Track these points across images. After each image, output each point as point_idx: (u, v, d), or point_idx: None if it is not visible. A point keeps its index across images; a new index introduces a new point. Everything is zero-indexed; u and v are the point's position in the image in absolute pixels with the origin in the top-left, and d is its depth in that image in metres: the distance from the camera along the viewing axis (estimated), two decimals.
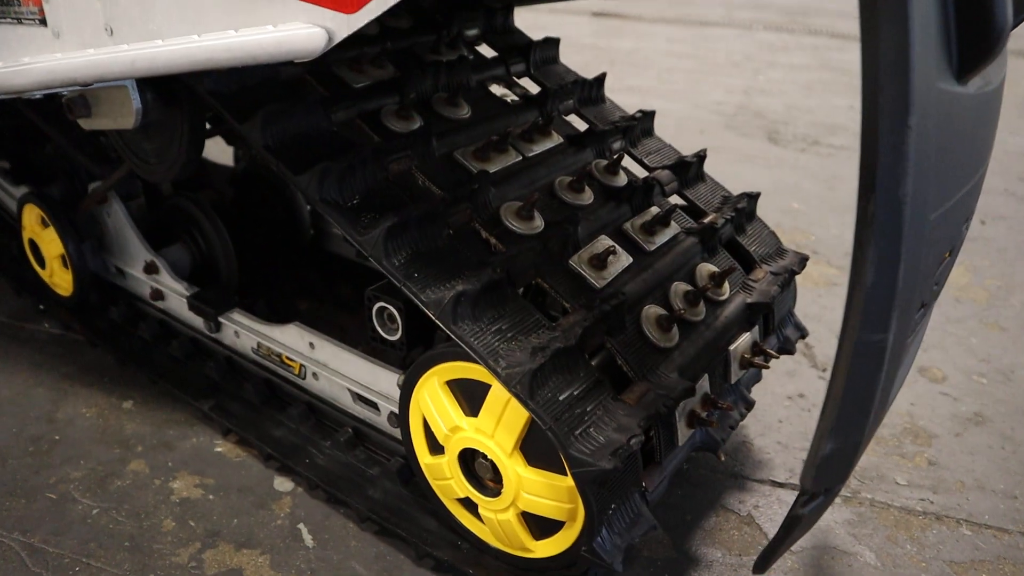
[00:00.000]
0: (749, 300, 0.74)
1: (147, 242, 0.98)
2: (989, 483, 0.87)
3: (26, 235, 1.07)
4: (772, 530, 0.78)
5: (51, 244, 1.02)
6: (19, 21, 0.76)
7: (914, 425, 0.95)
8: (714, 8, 4.42)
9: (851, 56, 3.25)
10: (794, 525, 0.51)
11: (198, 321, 0.94)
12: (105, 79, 0.65)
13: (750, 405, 0.76)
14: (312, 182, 0.61)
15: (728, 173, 1.37)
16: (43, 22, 0.73)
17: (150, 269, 0.98)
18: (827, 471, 0.45)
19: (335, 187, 0.61)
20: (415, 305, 0.60)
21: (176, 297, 0.97)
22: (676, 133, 2.02)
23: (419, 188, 0.67)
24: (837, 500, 0.82)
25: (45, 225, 1.03)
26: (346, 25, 0.48)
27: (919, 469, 0.88)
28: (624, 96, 2.36)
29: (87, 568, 0.72)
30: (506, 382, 0.55)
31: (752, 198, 0.84)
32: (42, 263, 1.06)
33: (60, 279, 1.05)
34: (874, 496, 0.84)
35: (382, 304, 0.70)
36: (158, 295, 0.99)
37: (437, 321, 0.57)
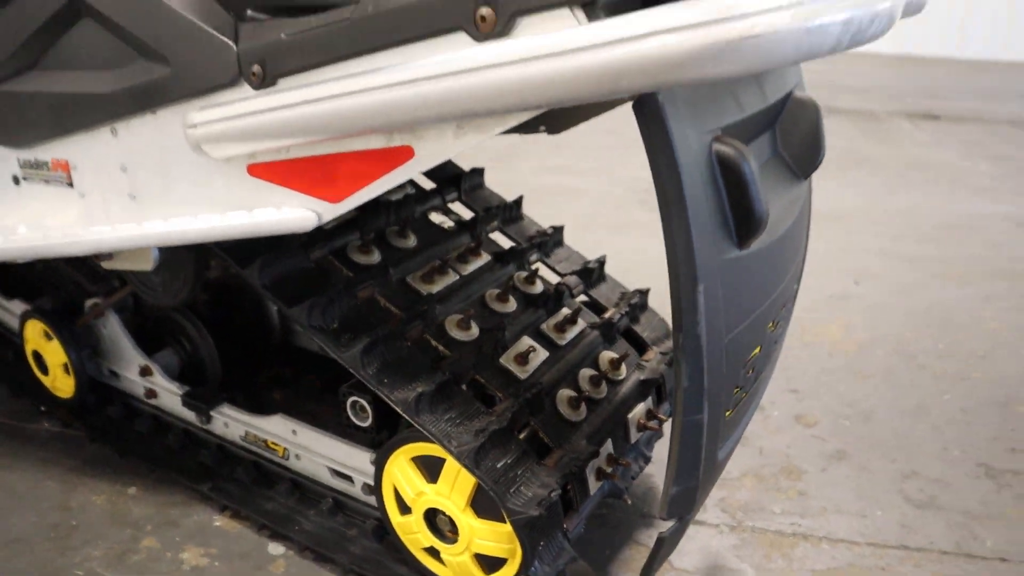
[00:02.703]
0: (642, 377, 0.95)
1: (140, 349, 1.16)
2: (845, 506, 1.08)
3: (29, 347, 1.23)
4: (674, 558, 0.98)
5: (54, 354, 1.19)
6: (47, 182, 0.94)
7: (789, 464, 1.17)
8: None
9: None
10: (660, 545, 0.71)
11: (191, 415, 1.12)
12: (133, 247, 0.84)
13: (648, 460, 0.96)
14: (302, 313, 0.80)
15: (637, 247, 1.60)
16: (70, 184, 0.92)
17: (144, 372, 1.15)
18: (676, 505, 0.65)
19: (319, 316, 0.81)
20: (381, 398, 0.79)
21: (169, 395, 1.14)
22: (593, 210, 2.26)
23: (382, 310, 0.87)
24: (725, 528, 1.03)
25: (49, 338, 1.19)
26: (331, 211, 0.68)
27: (791, 499, 1.10)
28: (547, 176, 2.60)
29: None
30: (458, 458, 0.75)
31: (643, 293, 1.06)
32: (44, 370, 1.22)
33: (62, 384, 1.21)
34: (754, 524, 1.05)
35: (355, 398, 0.89)
36: (152, 394, 1.16)
37: (405, 415, 0.77)
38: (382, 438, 0.88)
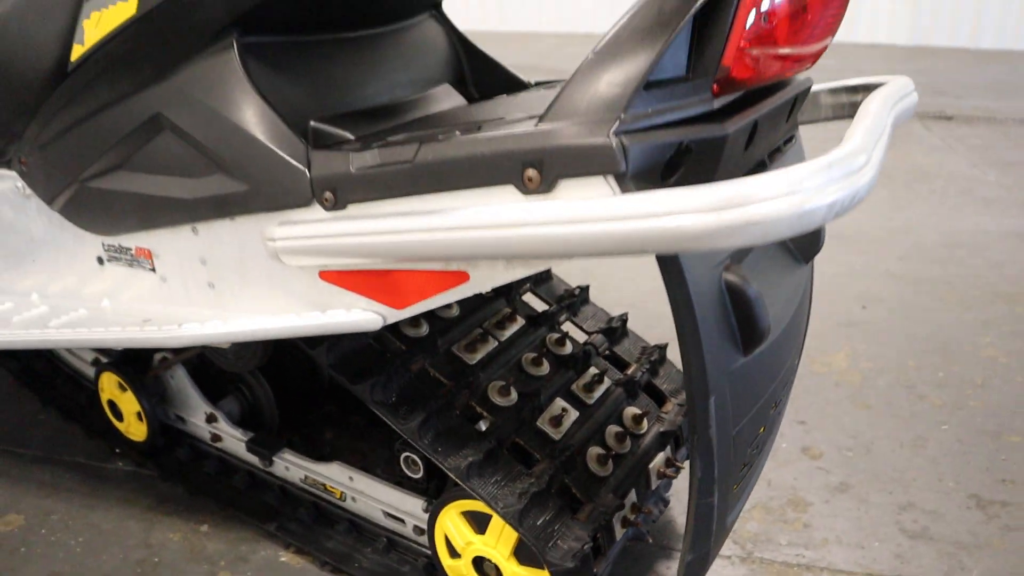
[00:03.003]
0: (661, 429, 1.06)
1: (205, 397, 1.28)
2: (846, 538, 1.20)
3: (105, 396, 1.36)
4: None
5: (129, 404, 1.31)
6: (130, 265, 1.06)
7: (796, 496, 1.29)
8: None
9: None
10: None
11: (253, 458, 1.24)
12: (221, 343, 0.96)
13: (667, 503, 1.08)
14: (366, 391, 0.92)
15: (652, 288, 1.71)
16: (153, 270, 1.04)
17: (210, 419, 1.28)
18: (692, 569, 0.77)
19: (380, 392, 0.92)
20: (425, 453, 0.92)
21: (233, 440, 1.27)
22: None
23: (432, 380, 0.99)
24: (736, 560, 1.15)
25: (123, 389, 1.32)
26: (395, 315, 0.80)
27: (796, 531, 1.21)
28: None
29: None
30: (504, 517, 0.87)
31: (662, 348, 1.17)
32: (119, 417, 1.35)
33: (136, 429, 1.33)
34: (763, 555, 1.16)
35: (407, 454, 1.02)
36: (217, 438, 1.29)
37: (457, 480, 0.89)
38: (432, 487, 1.00)
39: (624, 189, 0.61)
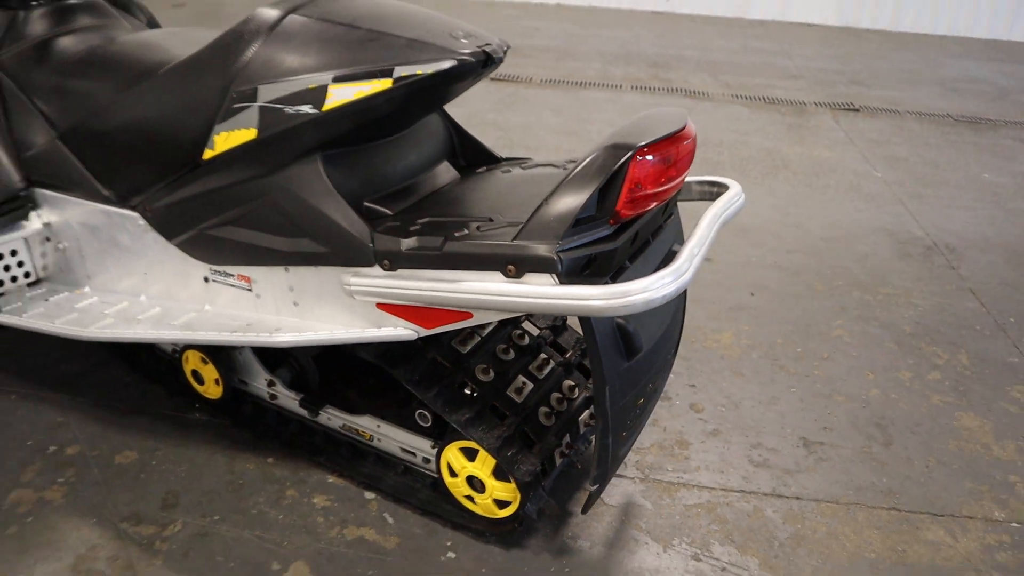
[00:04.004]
0: (586, 395, 1.62)
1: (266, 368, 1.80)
2: (712, 466, 1.78)
3: (189, 367, 1.86)
4: (604, 496, 1.67)
5: (209, 372, 1.82)
6: (232, 285, 1.57)
7: (681, 438, 1.86)
8: (592, 64, 5.29)
9: (703, 119, 4.17)
10: (591, 496, 1.38)
11: (303, 411, 1.77)
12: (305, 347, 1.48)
13: (589, 443, 1.64)
14: (400, 372, 1.45)
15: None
16: (250, 290, 1.54)
17: (270, 384, 1.80)
18: (597, 480, 1.33)
19: (408, 372, 1.46)
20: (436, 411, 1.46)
21: (286, 398, 1.79)
22: None
23: (439, 364, 1.52)
24: (637, 480, 1.72)
25: (205, 363, 1.83)
26: (424, 332, 1.33)
27: (679, 462, 1.79)
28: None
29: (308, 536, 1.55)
30: (487, 450, 1.42)
31: None
32: (200, 382, 1.86)
33: (213, 391, 1.85)
34: (655, 477, 1.74)
35: (421, 410, 1.56)
36: (274, 397, 1.81)
37: (457, 427, 1.43)
38: (436, 431, 1.55)
39: (561, 282, 1.14)
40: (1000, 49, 6.59)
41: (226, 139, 1.37)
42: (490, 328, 1.63)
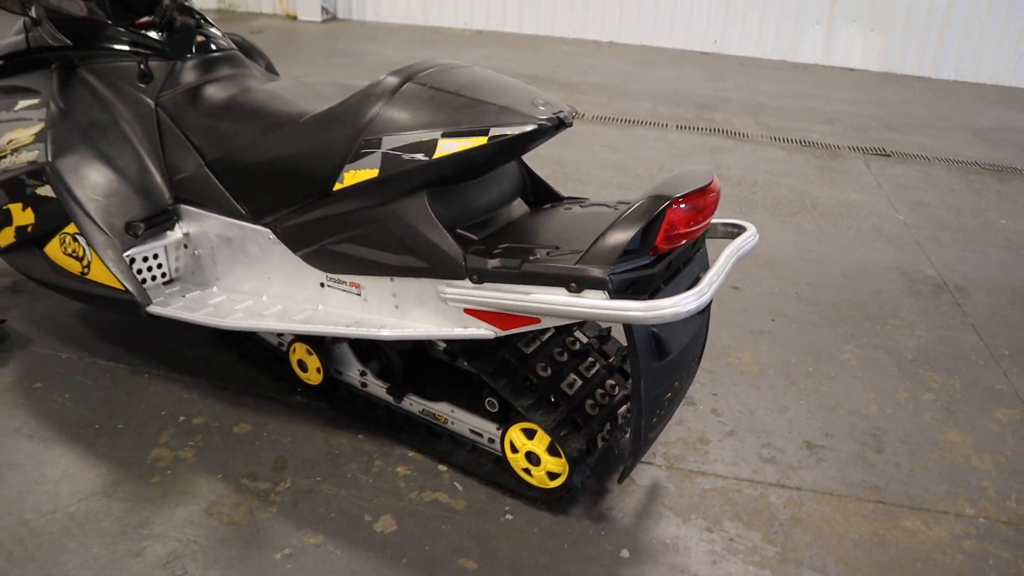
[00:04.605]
0: (625, 392, 1.97)
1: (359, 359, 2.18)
2: (727, 459, 2.12)
3: (295, 357, 2.25)
4: (635, 476, 2.02)
5: (313, 362, 2.21)
6: (343, 290, 1.95)
7: (703, 436, 2.21)
8: (642, 103, 5.67)
9: (741, 160, 4.52)
10: (625, 474, 1.74)
11: (388, 397, 2.14)
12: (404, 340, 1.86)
13: (625, 432, 1.99)
14: (479, 366, 1.82)
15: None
16: (358, 294, 1.93)
17: (362, 373, 2.18)
18: (631, 459, 1.68)
19: (484, 366, 1.83)
20: (504, 399, 1.82)
21: (375, 387, 2.17)
22: None
23: (508, 361, 1.88)
24: (663, 467, 2.06)
25: (310, 354, 2.22)
26: (501, 333, 1.70)
27: (700, 455, 2.13)
28: None
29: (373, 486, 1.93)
30: (545, 431, 1.78)
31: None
32: (304, 370, 2.25)
33: (314, 378, 2.23)
34: (679, 466, 2.08)
35: (489, 398, 1.93)
36: (364, 385, 2.19)
37: (522, 411, 1.79)
38: (501, 416, 1.92)
39: (611, 297, 1.51)
40: None
41: (353, 176, 1.76)
42: (549, 334, 2.00)
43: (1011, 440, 2.26)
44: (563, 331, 2.03)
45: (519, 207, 1.95)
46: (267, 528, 1.82)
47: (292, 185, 1.88)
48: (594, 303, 1.51)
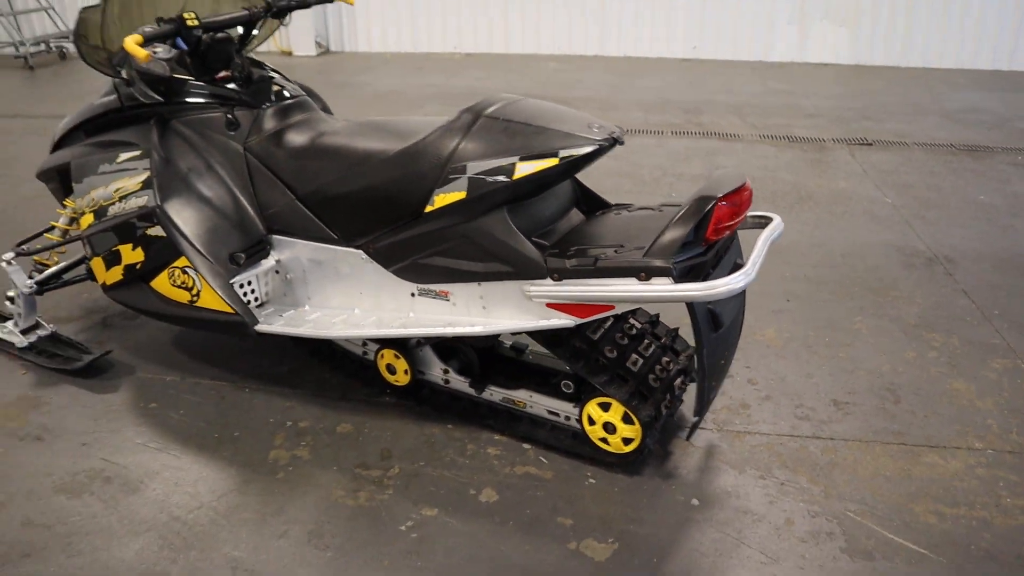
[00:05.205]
0: (678, 368, 2.30)
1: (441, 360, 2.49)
2: (767, 420, 2.45)
3: (384, 362, 2.57)
4: (698, 444, 2.35)
5: (401, 365, 2.53)
6: (433, 297, 2.27)
7: (743, 402, 2.54)
8: (633, 113, 6.02)
9: (736, 159, 4.86)
10: (692, 431, 2.07)
11: (469, 391, 2.46)
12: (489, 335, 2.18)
13: (682, 401, 2.32)
14: (562, 353, 2.15)
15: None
16: (447, 299, 2.25)
17: (445, 371, 2.50)
18: (697, 418, 2.01)
19: (566, 353, 2.16)
20: (579, 381, 2.15)
21: (457, 382, 2.49)
22: None
23: (582, 349, 2.21)
24: (714, 430, 2.40)
25: (398, 358, 2.53)
26: (580, 322, 2.02)
27: (743, 418, 2.47)
28: None
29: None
30: (619, 401, 2.11)
31: (675, 330, 2.41)
32: (392, 373, 2.57)
33: (402, 379, 2.55)
34: (727, 428, 2.41)
35: (566, 381, 2.26)
36: (447, 382, 2.51)
37: (599, 387, 2.12)
38: (575, 395, 2.24)
39: (675, 282, 1.85)
40: (1002, 79, 7.26)
41: (443, 198, 2.08)
42: (609, 323, 2.33)
43: (1007, 385, 2.61)
44: (620, 319, 2.36)
45: (576, 216, 2.29)
46: (388, 506, 2.14)
47: (384, 210, 2.20)
48: (661, 288, 1.84)
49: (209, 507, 2.15)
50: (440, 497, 2.16)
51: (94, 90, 7.13)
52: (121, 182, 2.52)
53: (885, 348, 2.83)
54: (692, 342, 2.02)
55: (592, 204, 2.38)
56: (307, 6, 2.80)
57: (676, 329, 2.37)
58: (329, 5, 7.56)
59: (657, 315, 2.40)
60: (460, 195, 2.04)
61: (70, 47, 9.10)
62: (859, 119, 5.89)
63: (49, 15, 8.92)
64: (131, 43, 2.21)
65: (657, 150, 5.11)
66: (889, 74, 7.46)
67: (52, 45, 8.90)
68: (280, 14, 2.74)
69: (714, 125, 5.71)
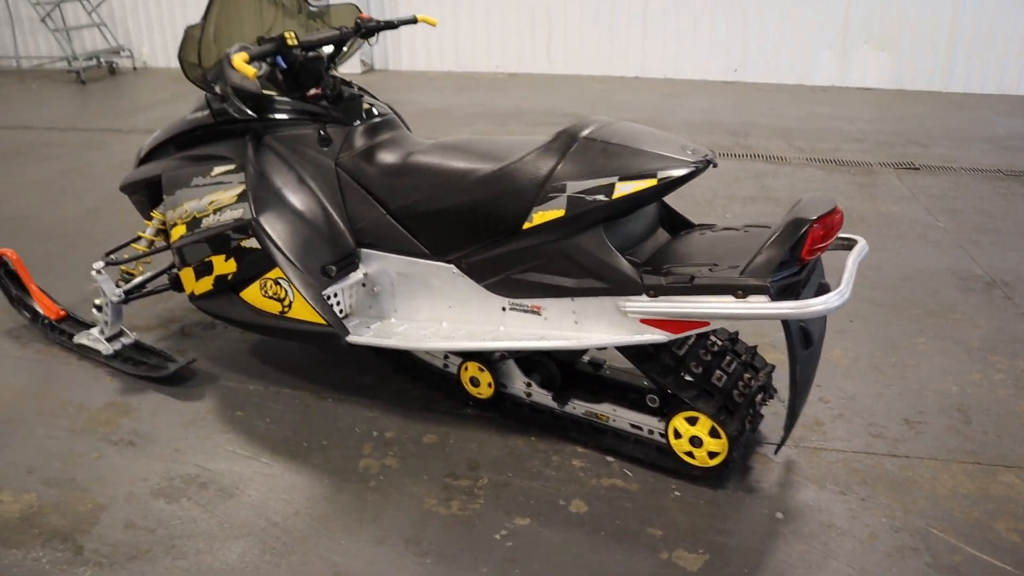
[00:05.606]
0: (759, 384, 2.37)
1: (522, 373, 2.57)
2: (842, 437, 2.50)
3: (467, 375, 2.64)
4: (777, 460, 2.42)
5: (485, 378, 2.61)
6: (524, 312, 2.35)
7: (818, 420, 2.60)
8: (680, 134, 6.10)
9: (785, 182, 4.93)
10: (780, 446, 2.13)
11: (551, 404, 2.54)
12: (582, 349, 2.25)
13: (762, 417, 2.39)
14: (649, 369, 2.22)
15: None
16: (538, 314, 2.33)
17: (527, 384, 2.58)
18: (786, 432, 2.08)
19: (653, 368, 2.23)
20: (665, 396, 2.23)
21: (539, 395, 2.56)
22: None
23: (670, 365, 2.29)
24: (792, 447, 2.46)
25: (481, 371, 2.61)
26: (673, 337, 2.10)
27: (818, 435, 2.52)
28: None
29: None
30: (707, 416, 2.18)
31: (754, 348, 2.47)
32: (476, 386, 2.65)
33: (485, 392, 2.62)
34: (804, 445, 2.47)
35: (651, 395, 2.33)
36: (529, 395, 2.59)
37: (688, 401, 2.19)
38: (661, 409, 2.31)
39: (772, 300, 1.92)
40: None
41: (541, 216, 2.17)
42: (693, 340, 2.40)
43: None
44: (702, 336, 2.43)
45: (662, 234, 2.37)
46: (481, 516, 2.21)
47: (481, 226, 2.29)
48: (759, 306, 1.91)
49: (305, 513, 2.23)
50: (531, 507, 2.23)
51: (144, 105, 7.31)
52: (215, 195, 2.62)
53: (950, 369, 2.88)
54: (769, 360, 2.08)
55: (676, 223, 2.46)
56: (394, 27, 2.90)
57: (755, 347, 2.44)
58: None
59: (736, 333, 2.47)
60: (559, 213, 2.12)
61: (119, 62, 9.32)
62: (904, 143, 5.94)
63: (101, 31, 9.14)
64: (239, 60, 2.32)
65: (707, 172, 5.15)
66: (931, 99, 7.50)
67: (103, 60, 9.10)
68: (368, 34, 2.85)
69: (761, 148, 5.78)
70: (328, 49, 2.77)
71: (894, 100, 7.44)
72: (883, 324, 3.21)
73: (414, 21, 2.89)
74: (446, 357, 2.72)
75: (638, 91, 7.72)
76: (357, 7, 3.00)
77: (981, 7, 7.46)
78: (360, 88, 2.82)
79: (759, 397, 2.35)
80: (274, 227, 2.54)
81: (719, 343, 2.40)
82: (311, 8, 2.99)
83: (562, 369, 2.52)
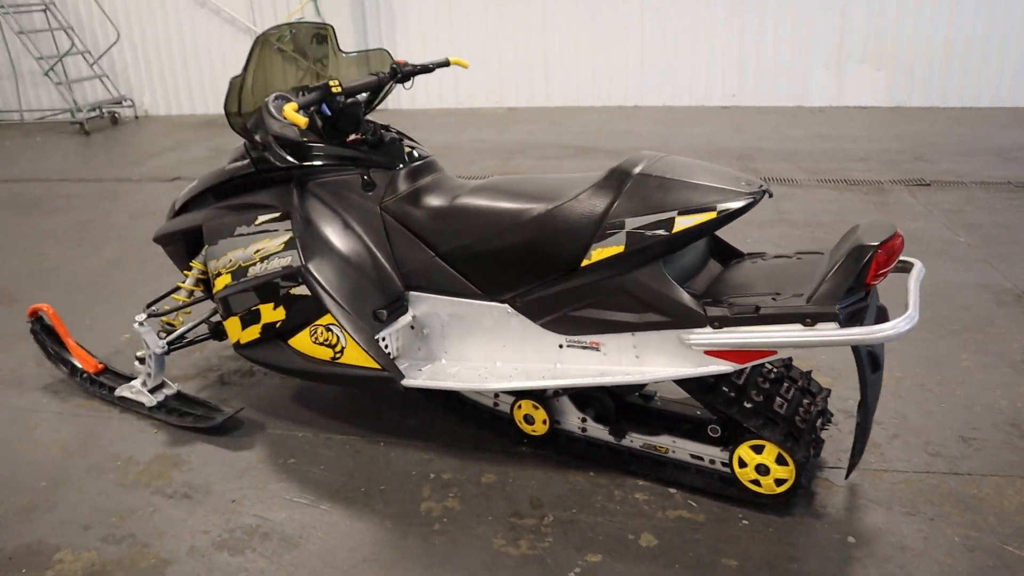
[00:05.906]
0: (818, 409, 2.37)
1: (577, 409, 2.57)
2: (899, 457, 2.51)
3: (521, 413, 2.64)
4: (840, 484, 2.42)
5: (539, 414, 2.61)
6: (583, 348, 2.36)
7: (874, 442, 2.60)
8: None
9: (799, 204, 4.97)
10: (850, 470, 2.14)
11: (607, 437, 2.53)
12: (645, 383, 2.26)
13: (823, 442, 2.40)
14: (711, 400, 2.23)
15: None
16: (597, 350, 2.34)
17: (582, 420, 2.58)
18: (855, 457, 2.09)
19: (716, 399, 2.24)
20: (726, 425, 2.23)
21: (595, 430, 2.56)
22: None
23: (733, 397, 2.29)
24: (863, 467, 2.47)
25: (536, 408, 2.61)
26: (738, 367, 2.11)
27: (876, 456, 2.53)
28: None
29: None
30: (774, 443, 2.18)
31: (808, 372, 2.49)
32: (530, 423, 2.65)
33: (540, 429, 2.62)
34: (865, 467, 2.48)
35: (712, 425, 2.34)
36: (584, 430, 2.58)
37: (754, 430, 2.20)
38: (723, 439, 2.32)
39: (841, 327, 1.93)
40: None
41: (600, 253, 2.18)
42: (749, 369, 2.41)
43: None
44: (759, 365, 2.44)
45: (714, 265, 2.39)
46: (551, 553, 2.20)
47: (537, 265, 2.30)
48: (828, 333, 1.93)
49: (373, 560, 2.22)
50: (600, 543, 2.22)
51: (150, 152, 7.34)
52: (261, 243, 2.63)
53: (997, 383, 2.89)
54: (824, 384, 2.09)
55: (724, 253, 2.48)
56: (429, 71, 2.94)
57: (809, 372, 2.45)
58: None
59: (790, 359, 2.48)
60: (618, 249, 2.14)
61: (121, 111, 9.36)
62: (911, 160, 6.00)
63: (102, 82, 9.20)
64: (290, 111, 2.34)
65: None
66: (930, 115, 7.59)
67: (105, 111, 9.15)
68: (405, 78, 2.88)
69: (769, 171, 5.83)
70: (363, 95, 2.79)
71: (893, 117, 7.53)
72: (923, 341, 3.23)
73: (447, 64, 2.93)
74: (496, 396, 2.71)
75: (638, 120, 7.79)
76: (388, 52, 3.04)
77: (973, 22, 7.59)
78: (399, 132, 2.84)
79: (819, 422, 2.36)
80: (323, 273, 2.54)
81: (775, 370, 2.41)
82: (343, 54, 3.02)
83: (615, 402, 2.52)
